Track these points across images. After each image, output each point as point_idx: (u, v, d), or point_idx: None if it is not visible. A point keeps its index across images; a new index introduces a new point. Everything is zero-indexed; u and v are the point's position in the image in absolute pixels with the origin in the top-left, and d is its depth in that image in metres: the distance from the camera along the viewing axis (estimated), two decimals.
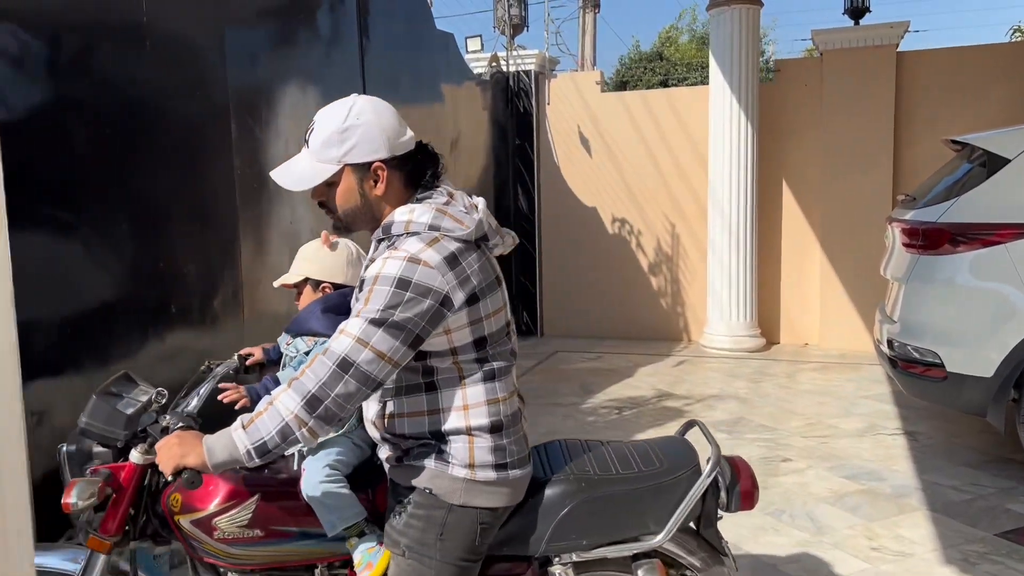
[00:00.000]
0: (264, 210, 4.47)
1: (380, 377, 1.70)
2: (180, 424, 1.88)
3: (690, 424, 2.29)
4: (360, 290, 1.79)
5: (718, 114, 7.61)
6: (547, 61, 8.68)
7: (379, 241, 1.85)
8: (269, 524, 1.97)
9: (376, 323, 1.68)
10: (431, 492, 1.85)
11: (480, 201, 1.88)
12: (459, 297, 1.74)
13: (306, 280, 2.28)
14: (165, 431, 1.89)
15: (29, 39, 3.18)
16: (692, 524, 2.08)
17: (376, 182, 1.81)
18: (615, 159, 8.38)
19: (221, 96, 4.24)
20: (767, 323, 8.02)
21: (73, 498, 1.79)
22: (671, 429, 5.42)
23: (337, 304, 2.11)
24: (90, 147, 3.47)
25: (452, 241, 1.76)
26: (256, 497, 1.96)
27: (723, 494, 2.08)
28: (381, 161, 1.80)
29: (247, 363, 2.27)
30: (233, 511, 1.95)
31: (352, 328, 1.69)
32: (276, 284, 2.29)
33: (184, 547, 2.02)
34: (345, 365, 1.67)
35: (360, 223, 1.88)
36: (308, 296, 2.26)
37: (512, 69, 8.46)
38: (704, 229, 8.03)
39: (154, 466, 1.99)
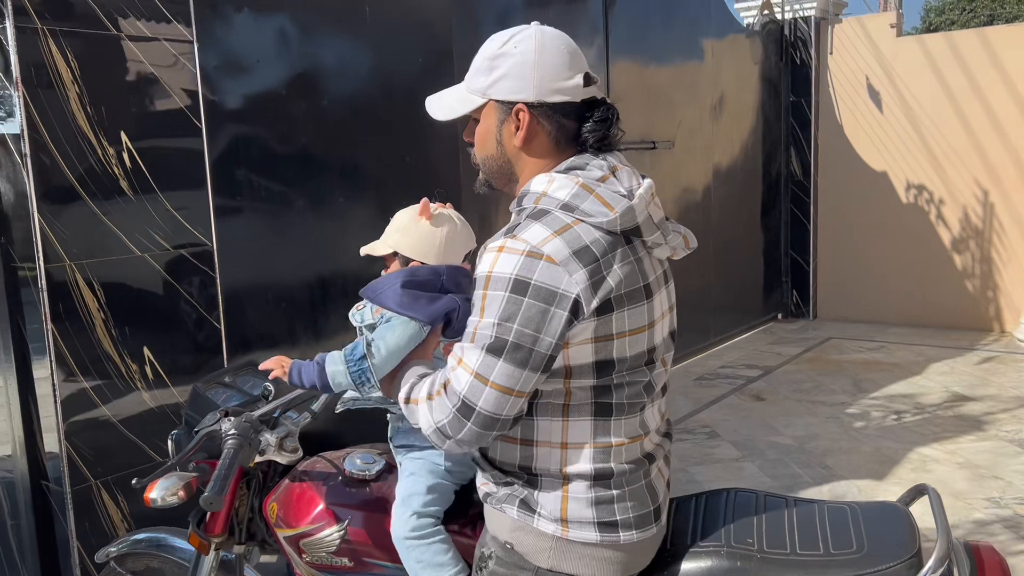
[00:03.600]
0: None
1: (509, 414, 1.39)
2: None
3: (920, 490, 1.63)
4: (475, 286, 1.43)
5: None
6: (831, 5, 7.60)
7: (517, 213, 1.52)
8: (360, 555, 1.70)
9: (494, 350, 1.36)
10: (512, 548, 1.49)
11: (645, 183, 1.47)
12: (591, 303, 1.37)
13: (395, 253, 1.89)
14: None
15: (248, 14, 3.24)
16: None
17: (517, 129, 1.47)
18: (912, 115, 7.17)
19: (446, 64, 4.04)
20: None
21: (156, 493, 1.64)
22: (965, 444, 4.45)
23: (423, 281, 1.68)
24: (307, 121, 3.49)
25: (590, 229, 1.39)
26: (347, 521, 1.70)
27: None
28: (525, 104, 1.45)
29: None
30: (321, 533, 1.71)
31: (469, 359, 1.38)
32: (363, 252, 1.93)
33: (286, 560, 1.83)
34: (466, 410, 1.38)
35: (497, 178, 1.57)
36: (395, 269, 1.85)
37: (788, 16, 7.51)
38: None
39: (261, 468, 1.86)
